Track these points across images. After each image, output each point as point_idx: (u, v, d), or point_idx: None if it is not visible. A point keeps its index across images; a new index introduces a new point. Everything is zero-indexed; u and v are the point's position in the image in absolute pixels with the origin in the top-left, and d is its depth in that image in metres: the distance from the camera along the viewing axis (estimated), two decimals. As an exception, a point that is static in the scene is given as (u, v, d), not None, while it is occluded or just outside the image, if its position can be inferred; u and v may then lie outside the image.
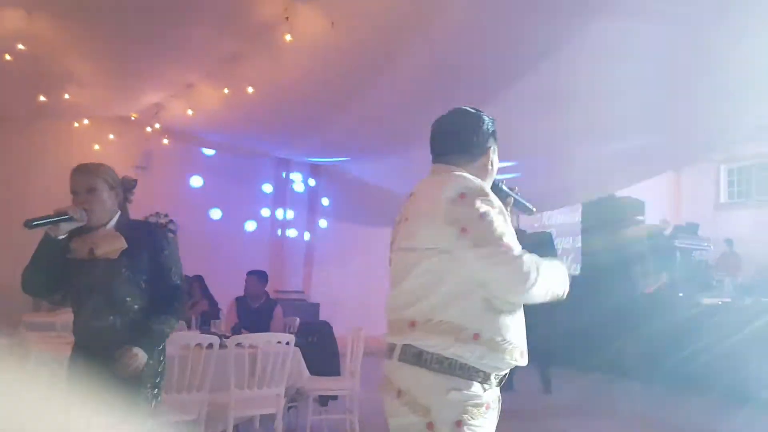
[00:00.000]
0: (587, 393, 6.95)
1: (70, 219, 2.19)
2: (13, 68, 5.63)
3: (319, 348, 4.91)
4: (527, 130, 6.34)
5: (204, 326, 4.82)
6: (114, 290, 2.27)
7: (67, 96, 6.40)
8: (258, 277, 5.38)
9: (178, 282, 2.39)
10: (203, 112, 6.94)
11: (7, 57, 5.41)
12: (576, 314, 7.52)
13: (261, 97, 6.07)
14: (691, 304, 8.33)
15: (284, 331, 5.22)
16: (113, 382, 2.14)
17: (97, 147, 7.75)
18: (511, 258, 1.60)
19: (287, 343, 3.64)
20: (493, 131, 1.88)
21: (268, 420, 3.90)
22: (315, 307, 9.60)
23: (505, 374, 1.72)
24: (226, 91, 6.09)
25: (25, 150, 7.60)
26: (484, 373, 1.64)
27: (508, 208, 1.88)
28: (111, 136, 8.07)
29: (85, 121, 7.71)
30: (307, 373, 4.04)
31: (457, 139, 1.84)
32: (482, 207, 1.64)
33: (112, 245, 2.27)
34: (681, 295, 8.87)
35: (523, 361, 1.71)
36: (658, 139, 7.11)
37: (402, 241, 1.77)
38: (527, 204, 1.92)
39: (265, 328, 5.15)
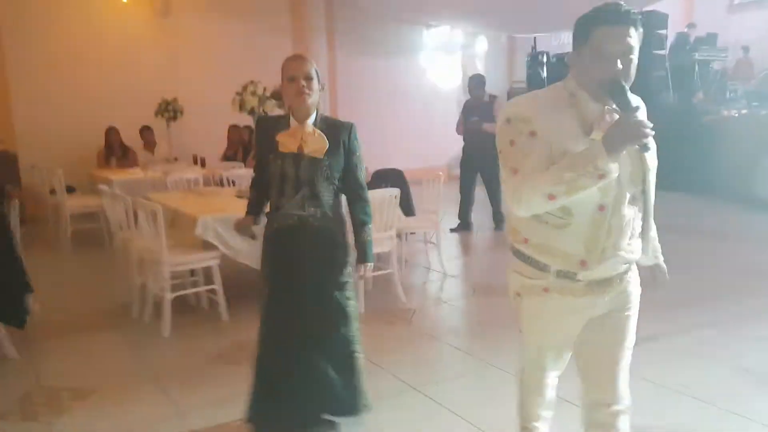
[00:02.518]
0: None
1: None
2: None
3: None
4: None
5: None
6: (317, 186, 2.51)
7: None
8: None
9: (363, 180, 2.63)
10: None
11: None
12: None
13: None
14: (711, 117, 8.89)
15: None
16: (314, 263, 2.54)
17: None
18: (507, 185, 1.72)
19: (395, 197, 4.32)
20: (591, 19, 1.66)
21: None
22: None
23: (578, 274, 1.75)
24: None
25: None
26: (543, 263, 1.77)
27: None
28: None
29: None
30: (403, 216, 4.75)
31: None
32: (516, 134, 1.69)
33: (318, 144, 2.49)
34: (699, 108, 9.37)
35: (584, 270, 1.73)
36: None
37: None
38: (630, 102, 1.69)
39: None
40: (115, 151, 8.24)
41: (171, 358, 3.63)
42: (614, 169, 1.55)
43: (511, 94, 11.99)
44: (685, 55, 10.29)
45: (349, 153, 2.56)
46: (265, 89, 4.88)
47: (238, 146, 8.40)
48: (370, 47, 10.98)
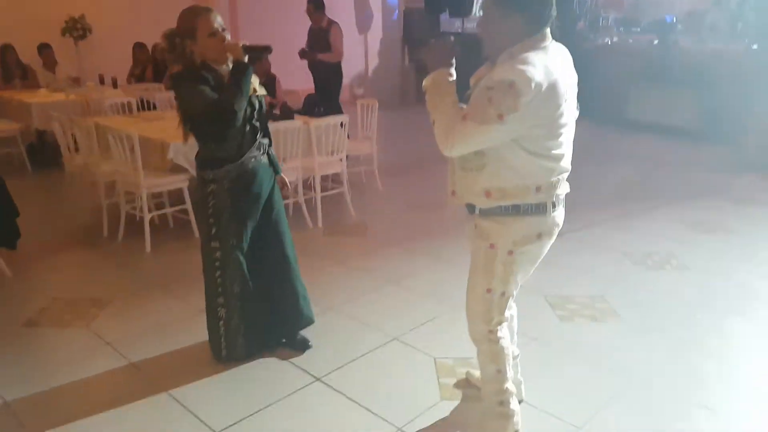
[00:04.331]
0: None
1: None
2: None
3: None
4: None
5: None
6: (266, 123, 2.76)
7: None
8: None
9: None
10: None
11: None
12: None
13: None
14: (589, 44, 10.06)
15: (285, 102, 6.25)
16: (273, 193, 2.85)
17: None
18: None
19: (342, 124, 4.87)
20: None
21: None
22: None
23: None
24: None
25: None
26: None
27: None
28: None
29: None
30: (347, 141, 5.32)
31: None
32: None
33: (256, 83, 2.65)
34: (579, 35, 10.51)
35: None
36: None
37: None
38: None
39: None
40: (14, 71, 7.83)
41: (164, 269, 4.07)
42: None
43: (407, 15, 12.50)
44: (565, -16, 11.29)
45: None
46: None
47: (146, 64, 8.29)
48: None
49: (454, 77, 2.01)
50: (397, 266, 4.07)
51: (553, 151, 1.95)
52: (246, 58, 2.47)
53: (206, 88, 2.49)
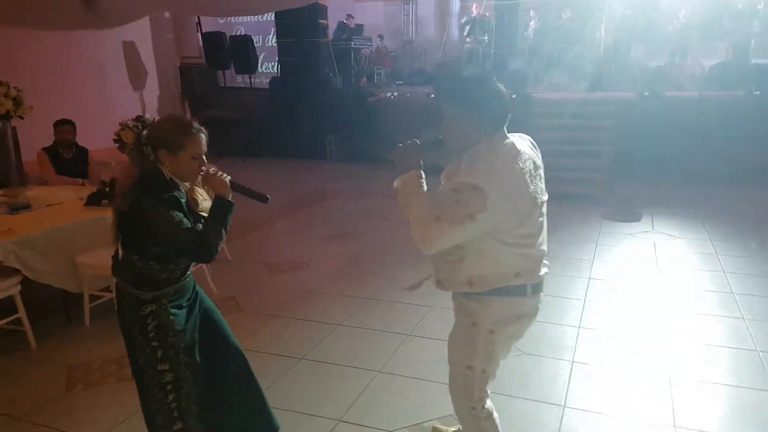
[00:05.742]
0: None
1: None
2: None
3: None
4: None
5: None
6: None
7: None
8: (72, 125, 5.47)
9: None
10: None
11: None
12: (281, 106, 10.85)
13: None
14: (374, 98, 10.89)
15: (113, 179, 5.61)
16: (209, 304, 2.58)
17: None
18: None
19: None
20: None
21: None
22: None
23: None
24: None
25: None
26: None
27: None
28: None
29: None
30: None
31: None
32: None
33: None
34: (363, 91, 11.33)
35: None
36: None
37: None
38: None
39: (83, 175, 5.58)
40: None
41: (16, 397, 3.33)
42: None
43: (185, 70, 12.17)
44: (344, 43, 12.13)
45: None
46: (18, 89, 4.40)
47: None
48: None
49: (424, 178, 2.09)
50: (293, 340, 3.93)
51: (526, 239, 2.05)
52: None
53: (182, 216, 2.23)
